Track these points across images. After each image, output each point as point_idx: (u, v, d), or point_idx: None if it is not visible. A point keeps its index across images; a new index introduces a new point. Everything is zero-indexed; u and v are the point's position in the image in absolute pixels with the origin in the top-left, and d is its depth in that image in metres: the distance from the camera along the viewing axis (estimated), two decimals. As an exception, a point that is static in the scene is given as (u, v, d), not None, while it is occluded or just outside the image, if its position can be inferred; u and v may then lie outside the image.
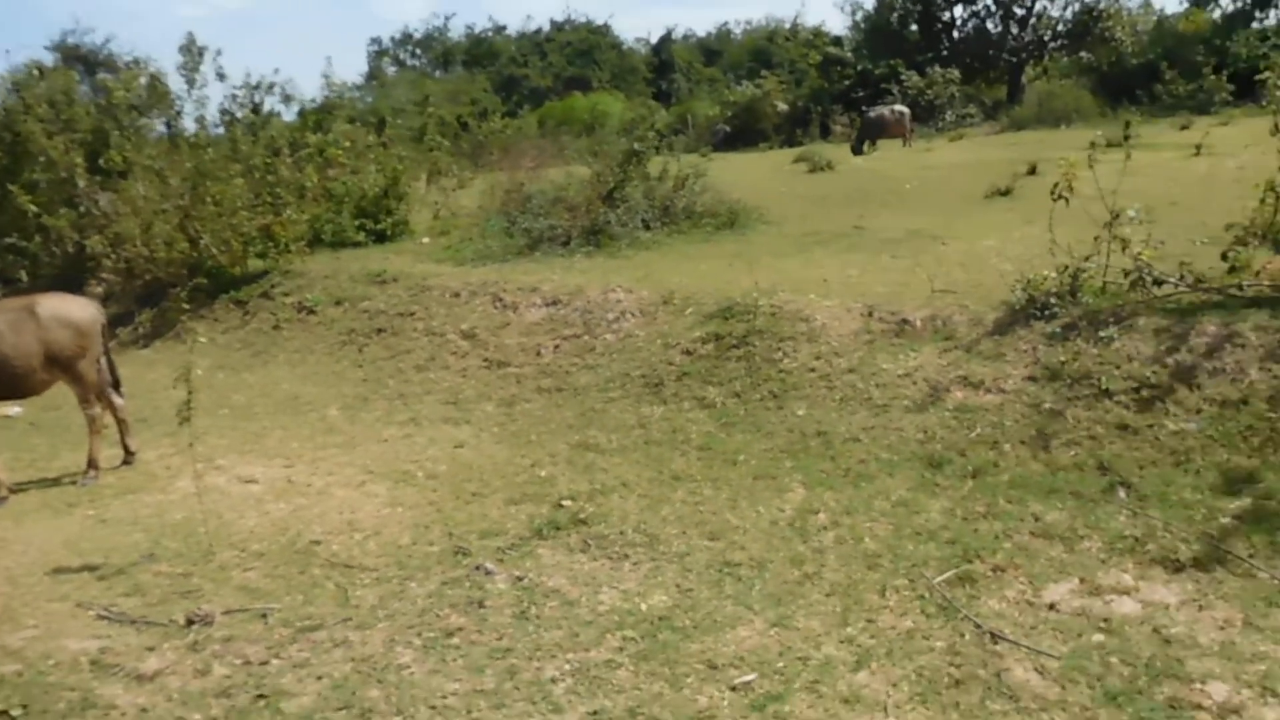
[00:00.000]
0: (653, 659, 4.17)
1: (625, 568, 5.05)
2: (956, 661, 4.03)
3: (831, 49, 39.25)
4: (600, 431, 7.05)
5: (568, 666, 4.14)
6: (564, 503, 5.84)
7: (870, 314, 7.73)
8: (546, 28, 57.75)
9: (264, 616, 4.65)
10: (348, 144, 15.47)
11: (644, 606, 4.62)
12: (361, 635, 4.46)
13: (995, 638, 4.16)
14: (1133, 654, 3.99)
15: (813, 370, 7.24)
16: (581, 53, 53.23)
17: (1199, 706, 3.63)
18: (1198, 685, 3.76)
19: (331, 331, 10.18)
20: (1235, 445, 5.52)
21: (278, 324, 10.70)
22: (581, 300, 9.23)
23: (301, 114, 20.99)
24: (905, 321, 7.53)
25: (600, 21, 59.22)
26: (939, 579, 4.66)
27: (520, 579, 4.95)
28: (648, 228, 12.38)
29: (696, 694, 3.91)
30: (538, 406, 7.74)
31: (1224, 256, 7.24)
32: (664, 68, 52.25)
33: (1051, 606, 4.41)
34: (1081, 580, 4.60)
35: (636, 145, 13.33)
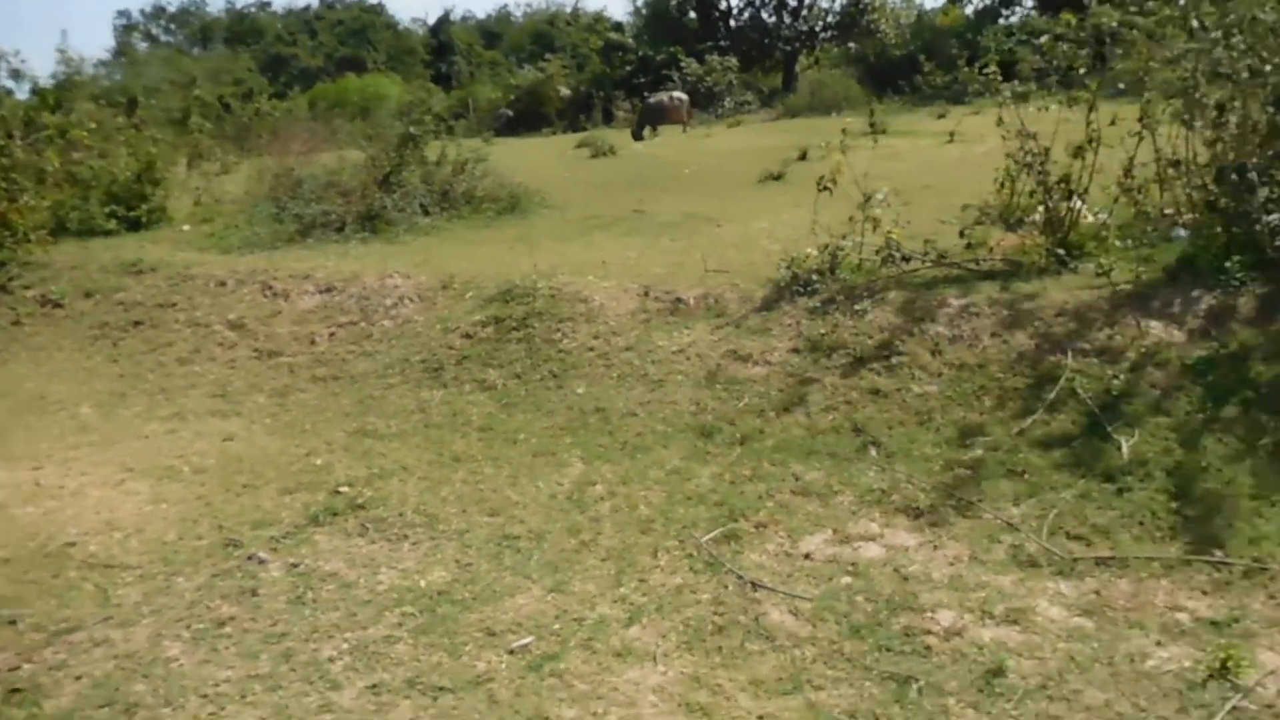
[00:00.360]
0: (432, 631, 4.33)
1: (404, 548, 5.17)
2: (720, 610, 4.41)
3: (613, 34, 40.11)
4: (379, 418, 7.08)
5: (345, 645, 4.23)
6: (341, 489, 5.87)
7: (647, 294, 8.11)
8: (316, 5, 55.74)
9: (13, 623, 4.47)
10: (93, 125, 14.55)
11: (423, 583, 4.76)
12: (124, 633, 4.37)
13: (755, 586, 4.58)
14: (875, 592, 4.50)
15: (591, 349, 7.53)
16: (354, 32, 51.77)
17: (929, 632, 4.16)
18: (929, 614, 4.29)
19: (81, 326, 9.61)
20: (970, 404, 6.21)
21: (18, 319, 9.98)
22: (357, 287, 9.16)
23: (36, 92, 19.47)
24: (680, 300, 7.94)
25: (374, 0, 57.67)
26: (707, 538, 5.05)
27: (295, 566, 4.98)
28: (426, 213, 12.36)
29: (475, 660, 4.10)
30: (313, 396, 7.66)
31: (961, 234, 8.04)
32: (443, 50, 51.59)
33: (807, 555, 4.88)
34: (834, 531, 5.11)
35: (413, 129, 13.27)
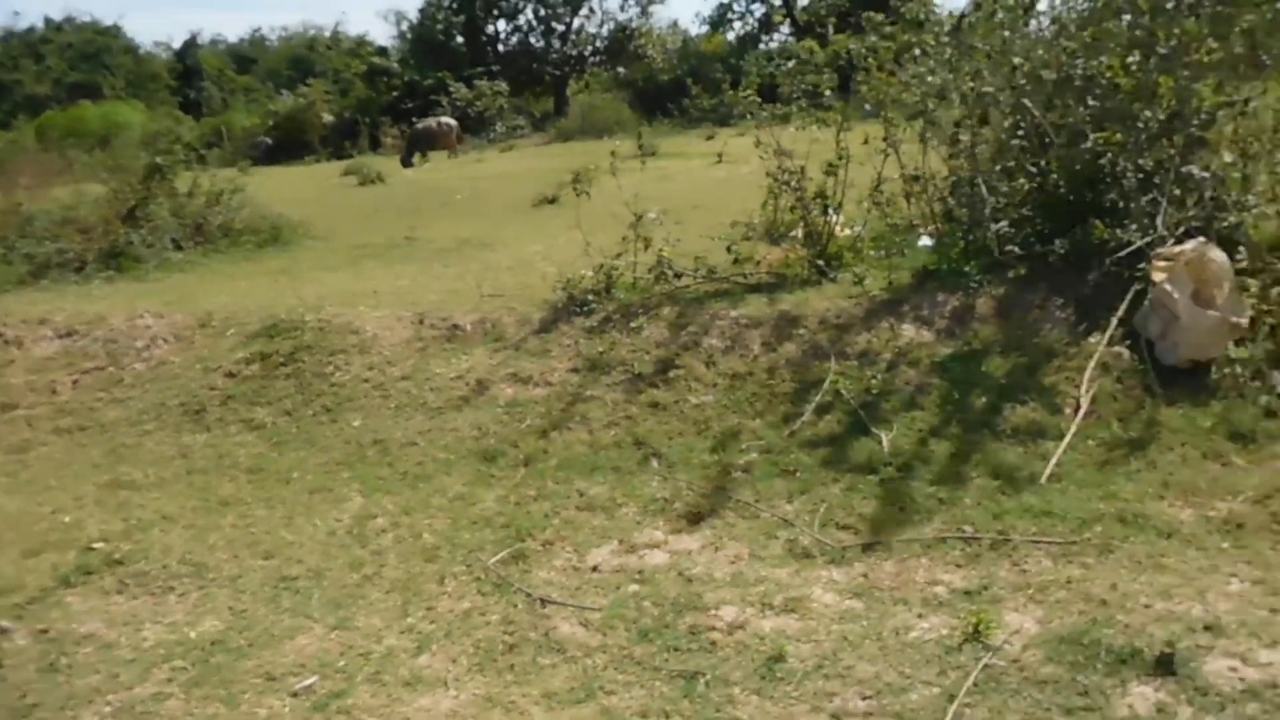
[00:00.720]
0: (206, 683, 4.19)
1: (171, 600, 4.97)
2: (511, 630, 4.50)
3: (377, 59, 39.50)
4: (134, 467, 6.72)
5: (109, 709, 4.04)
6: (95, 545, 5.55)
7: (422, 321, 8.10)
8: (42, 27, 51.90)
9: None
10: None
11: (193, 634, 4.60)
12: None
13: (545, 603, 4.70)
14: (662, 596, 4.70)
15: (366, 381, 7.45)
16: (87, 56, 48.54)
17: (713, 628, 4.40)
18: (713, 611, 4.53)
19: None
20: (743, 410, 6.56)
21: None
22: (103, 329, 8.65)
23: None
24: (456, 326, 7.98)
25: (109, 22, 54.25)
26: (494, 560, 5.13)
27: (45, 632, 4.69)
28: (179, 248, 11.86)
29: (256, 707, 4.01)
30: (57, 449, 7.18)
31: (729, 250, 8.49)
32: (190, 75, 49.16)
33: (595, 568, 5.04)
34: (620, 542, 5.29)
35: (161, 159, 12.72)
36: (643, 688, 4.00)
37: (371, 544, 5.44)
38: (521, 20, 41.07)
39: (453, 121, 26.09)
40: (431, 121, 25.77)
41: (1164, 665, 3.71)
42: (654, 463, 6.17)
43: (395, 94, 35.92)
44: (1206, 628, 3.95)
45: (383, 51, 41.89)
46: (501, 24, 41.16)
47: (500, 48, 41.07)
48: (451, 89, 33.67)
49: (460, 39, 40.18)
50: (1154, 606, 4.15)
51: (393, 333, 7.98)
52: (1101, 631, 3.99)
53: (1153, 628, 3.98)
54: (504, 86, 34.61)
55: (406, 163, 23.55)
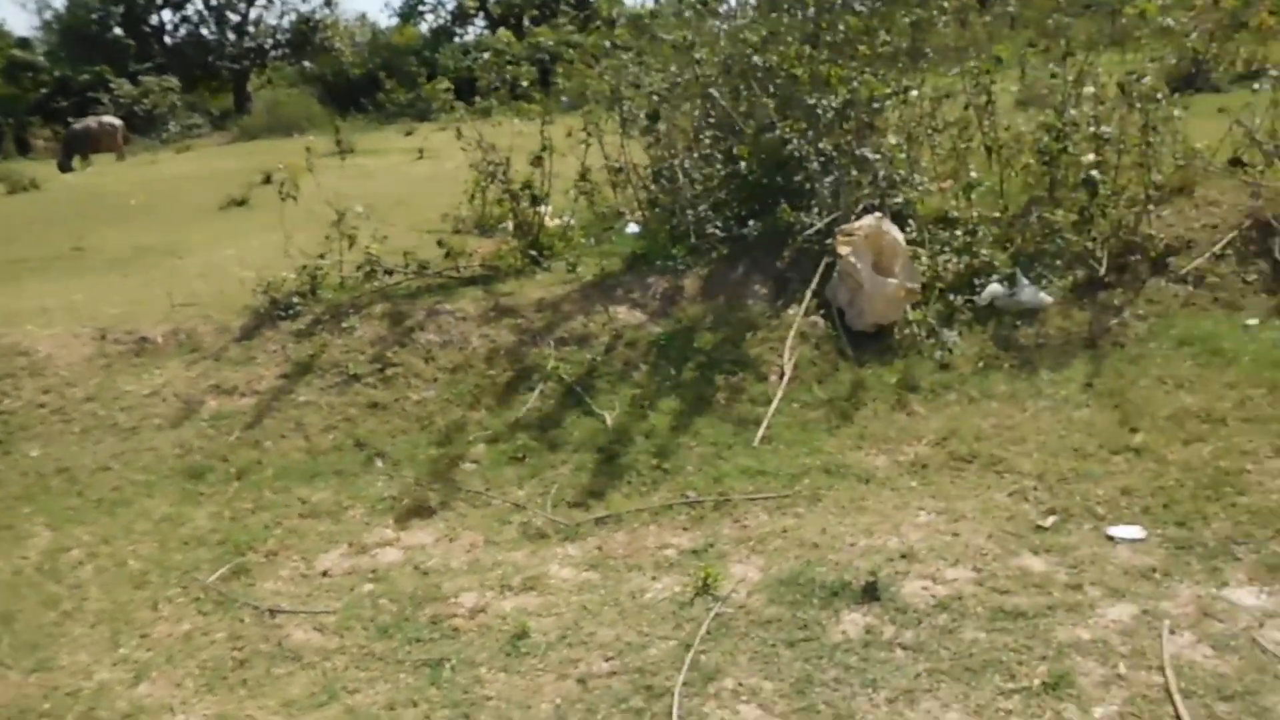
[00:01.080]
0: (-119, 749, 3.82)
1: None
2: (239, 645, 4.41)
3: (18, 52, 35.91)
4: None
5: None
6: None
7: (104, 337, 7.59)
8: None
9: None
10: None
11: None
12: None
13: (274, 613, 4.63)
14: (399, 592, 4.75)
15: (43, 406, 6.90)
16: None
17: (454, 616, 4.51)
18: (453, 600, 4.64)
19: None
20: (466, 402, 6.67)
21: None
22: None
23: None
24: (145, 340, 7.55)
25: None
26: (213, 578, 4.97)
27: None
28: None
29: (-54, 765, 3.70)
30: None
31: (440, 244, 8.55)
32: None
33: (325, 573, 5.01)
34: (350, 544, 5.28)
35: None
36: (387, 682, 4.05)
37: (68, 578, 5.11)
38: (190, 10, 38.78)
39: (116, 121, 24.20)
40: (91, 121, 23.79)
41: (869, 593, 4.21)
42: (378, 462, 6.16)
43: (44, 91, 32.88)
44: (903, 556, 4.51)
45: (24, 43, 38.11)
46: (167, 14, 38.63)
47: (167, 40, 38.54)
48: (113, 85, 31.25)
49: (119, 30, 37.29)
50: (858, 544, 4.68)
51: (70, 351, 7.43)
52: (815, 571, 4.45)
53: (858, 562, 4.49)
54: (175, 82, 32.51)
55: (65, 167, 21.68)
